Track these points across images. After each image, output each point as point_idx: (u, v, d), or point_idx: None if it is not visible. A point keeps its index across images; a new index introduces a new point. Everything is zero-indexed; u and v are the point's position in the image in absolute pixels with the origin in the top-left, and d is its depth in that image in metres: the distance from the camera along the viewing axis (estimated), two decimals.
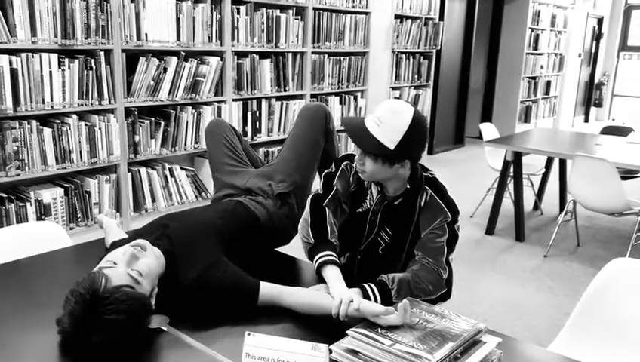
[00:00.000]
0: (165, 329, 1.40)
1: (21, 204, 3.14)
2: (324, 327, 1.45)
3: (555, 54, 9.99)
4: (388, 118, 1.61)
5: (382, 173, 1.68)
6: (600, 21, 11.59)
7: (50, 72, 3.14)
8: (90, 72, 3.33)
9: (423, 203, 1.72)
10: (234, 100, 4.28)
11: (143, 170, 3.74)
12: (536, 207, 5.28)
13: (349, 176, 1.80)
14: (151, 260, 1.46)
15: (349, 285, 1.57)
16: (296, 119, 2.18)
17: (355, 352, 1.26)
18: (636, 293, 1.79)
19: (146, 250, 1.48)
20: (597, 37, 11.64)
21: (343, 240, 1.85)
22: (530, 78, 9.23)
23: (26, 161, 3.13)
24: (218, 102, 4.16)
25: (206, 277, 1.52)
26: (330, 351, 1.27)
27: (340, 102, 5.38)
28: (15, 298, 1.58)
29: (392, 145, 1.60)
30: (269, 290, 1.53)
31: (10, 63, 2.99)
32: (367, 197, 1.79)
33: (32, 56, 3.06)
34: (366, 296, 1.54)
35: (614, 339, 1.78)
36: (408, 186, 1.72)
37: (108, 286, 1.29)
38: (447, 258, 1.68)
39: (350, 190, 1.81)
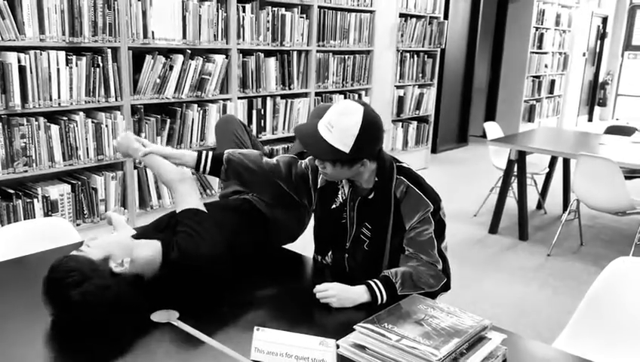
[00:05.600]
0: (175, 323, 1.42)
1: (28, 200, 3.17)
2: (331, 323, 1.47)
3: (560, 53, 9.98)
4: (338, 122, 1.58)
5: (344, 174, 1.68)
6: (604, 20, 11.57)
7: (58, 70, 3.17)
8: (97, 69, 3.35)
9: (399, 194, 1.70)
10: (239, 98, 4.29)
11: None
12: (539, 206, 5.29)
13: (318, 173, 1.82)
14: (110, 238, 1.58)
15: (346, 283, 1.59)
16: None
17: (362, 347, 1.28)
18: (638, 291, 1.80)
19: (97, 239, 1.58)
20: (601, 36, 11.62)
21: (325, 239, 1.86)
22: (534, 77, 9.22)
23: (34, 158, 3.15)
24: (224, 100, 4.17)
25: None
26: (338, 346, 1.29)
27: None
28: (23, 293, 1.60)
29: (346, 149, 1.58)
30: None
31: (19, 61, 3.01)
32: (339, 192, 1.79)
33: (40, 54, 3.08)
34: (372, 292, 1.57)
35: (617, 337, 1.79)
36: (377, 179, 1.71)
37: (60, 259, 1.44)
38: (439, 249, 1.67)
39: (320, 185, 1.83)
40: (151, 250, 1.60)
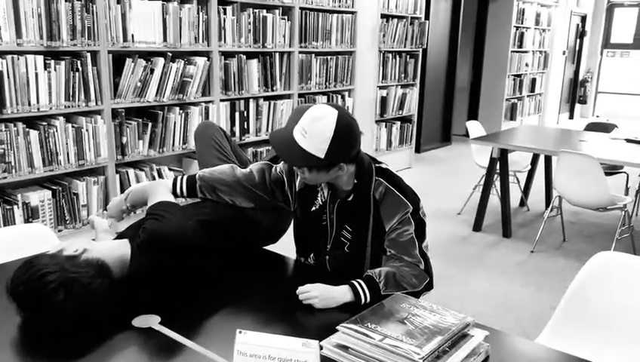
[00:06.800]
0: (156, 328, 1.41)
1: (8, 207, 3.12)
2: (314, 324, 1.46)
3: (540, 52, 10.09)
4: (311, 128, 1.55)
5: (322, 178, 1.67)
6: (583, 19, 11.71)
7: (36, 74, 3.13)
8: (77, 73, 3.31)
9: (378, 196, 1.69)
10: (221, 101, 4.28)
11: (130, 171, 3.73)
12: (522, 203, 5.34)
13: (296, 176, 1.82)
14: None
15: (329, 283, 1.59)
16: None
17: (345, 347, 1.28)
18: (620, 285, 1.82)
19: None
20: (581, 35, 11.77)
21: (306, 241, 1.87)
22: (515, 75, 9.31)
23: (13, 164, 3.11)
24: (206, 102, 4.15)
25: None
26: (321, 347, 1.28)
27: (328, 102, 5.39)
28: (3, 301, 1.58)
29: (321, 154, 1.55)
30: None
31: None
32: (319, 195, 1.79)
33: (18, 58, 3.04)
34: (355, 292, 1.57)
35: (599, 331, 1.81)
36: (356, 181, 1.70)
37: None
38: (420, 249, 1.67)
39: (298, 188, 1.83)
40: (119, 245, 1.63)
